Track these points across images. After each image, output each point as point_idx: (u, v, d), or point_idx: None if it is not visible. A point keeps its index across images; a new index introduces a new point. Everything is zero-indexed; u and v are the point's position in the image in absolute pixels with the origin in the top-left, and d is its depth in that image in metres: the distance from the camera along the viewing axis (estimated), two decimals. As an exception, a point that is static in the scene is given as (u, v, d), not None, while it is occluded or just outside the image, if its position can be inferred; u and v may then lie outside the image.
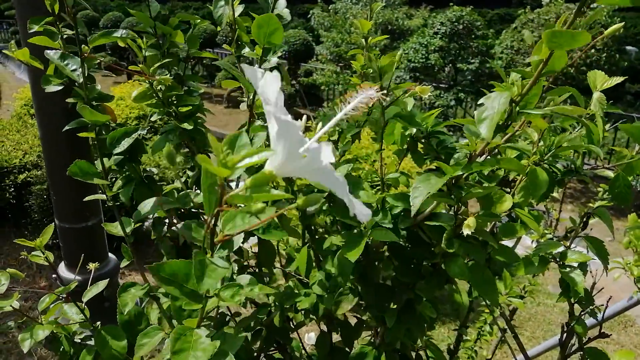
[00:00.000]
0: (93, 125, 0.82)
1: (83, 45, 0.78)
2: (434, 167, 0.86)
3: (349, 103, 0.42)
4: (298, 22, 15.16)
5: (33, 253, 0.80)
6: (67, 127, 0.82)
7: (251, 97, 0.79)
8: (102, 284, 0.82)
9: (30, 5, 1.11)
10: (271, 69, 0.82)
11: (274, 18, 0.59)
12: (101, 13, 14.02)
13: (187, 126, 0.88)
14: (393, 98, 0.79)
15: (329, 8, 9.56)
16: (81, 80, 0.78)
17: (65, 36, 0.78)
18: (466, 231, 0.67)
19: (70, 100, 0.80)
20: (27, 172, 3.70)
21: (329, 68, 8.65)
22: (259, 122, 0.81)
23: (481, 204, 0.76)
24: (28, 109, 4.99)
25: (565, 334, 0.97)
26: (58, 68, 0.79)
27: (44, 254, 0.79)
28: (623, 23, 0.70)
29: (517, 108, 0.59)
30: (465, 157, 0.68)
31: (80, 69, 0.78)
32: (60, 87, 0.79)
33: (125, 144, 0.81)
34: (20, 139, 3.96)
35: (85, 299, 0.81)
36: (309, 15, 10.83)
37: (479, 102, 0.59)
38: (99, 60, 0.81)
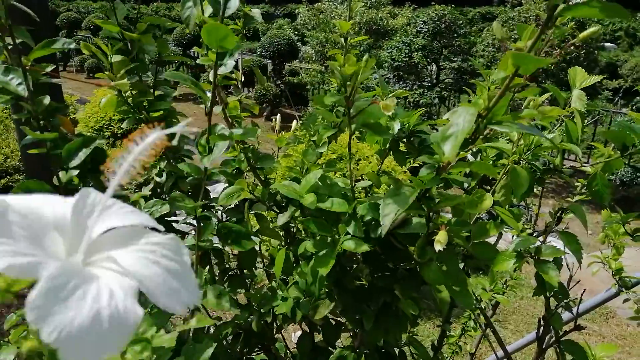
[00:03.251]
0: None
1: (23, 58, 0.74)
2: (418, 165, 0.87)
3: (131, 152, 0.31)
4: (284, 21, 15.10)
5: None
6: (23, 143, 0.77)
7: (209, 105, 0.79)
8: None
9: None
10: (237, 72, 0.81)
11: (222, 26, 0.58)
12: (83, 15, 13.86)
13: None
14: (360, 107, 0.79)
15: (314, 7, 9.55)
16: (26, 94, 0.74)
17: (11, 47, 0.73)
18: (438, 247, 0.67)
19: (15, 117, 0.76)
20: (8, 176, 3.64)
21: (314, 68, 8.64)
22: (220, 127, 0.78)
23: (453, 212, 0.77)
24: (9, 113, 4.90)
25: (541, 328, 0.99)
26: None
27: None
28: (599, 27, 0.72)
29: (484, 122, 0.59)
30: (434, 168, 0.68)
31: (25, 83, 0.74)
32: (11, 100, 0.74)
33: (82, 155, 0.76)
34: (1, 143, 3.90)
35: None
36: (296, 13, 10.81)
37: (444, 117, 0.56)
38: (45, 71, 0.75)
